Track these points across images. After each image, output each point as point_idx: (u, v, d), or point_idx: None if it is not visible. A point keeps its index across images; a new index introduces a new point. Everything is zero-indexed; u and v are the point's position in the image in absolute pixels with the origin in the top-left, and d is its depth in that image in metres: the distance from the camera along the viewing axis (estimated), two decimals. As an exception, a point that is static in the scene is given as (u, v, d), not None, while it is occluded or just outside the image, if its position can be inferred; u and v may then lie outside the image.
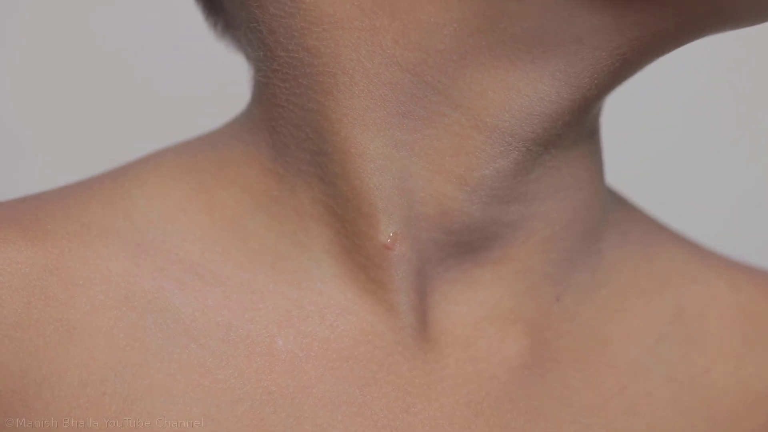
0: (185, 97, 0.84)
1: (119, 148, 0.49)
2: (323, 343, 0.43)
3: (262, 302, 0.43)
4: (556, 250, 0.45)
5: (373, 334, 0.43)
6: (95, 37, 0.89)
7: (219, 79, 0.48)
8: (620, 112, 0.64)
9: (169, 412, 0.40)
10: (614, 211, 0.48)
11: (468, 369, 0.44)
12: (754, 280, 0.50)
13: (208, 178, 0.44)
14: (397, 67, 0.40)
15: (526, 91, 0.40)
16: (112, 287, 0.42)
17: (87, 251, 0.42)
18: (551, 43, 0.39)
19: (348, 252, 0.43)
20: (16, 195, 0.45)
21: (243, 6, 0.43)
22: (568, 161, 0.44)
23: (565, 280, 0.46)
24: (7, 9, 0.89)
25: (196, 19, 0.48)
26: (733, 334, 0.48)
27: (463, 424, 0.43)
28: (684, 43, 0.40)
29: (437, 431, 0.42)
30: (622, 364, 0.46)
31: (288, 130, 0.42)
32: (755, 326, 0.49)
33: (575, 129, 0.43)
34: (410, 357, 0.43)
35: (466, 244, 0.43)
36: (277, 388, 0.42)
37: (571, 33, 0.39)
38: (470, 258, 0.44)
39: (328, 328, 0.43)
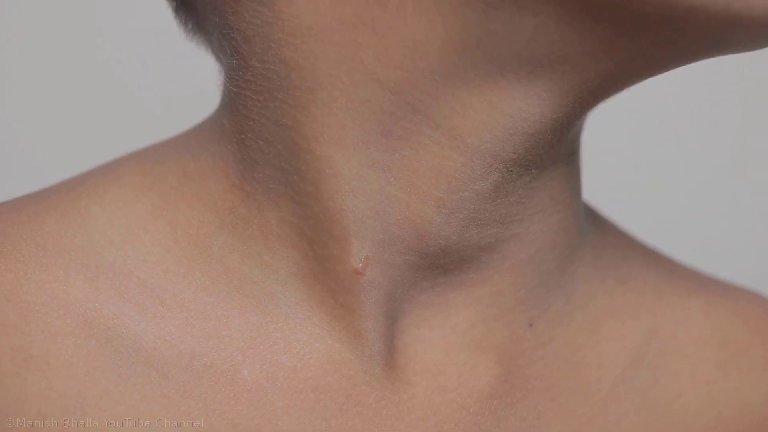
0: (174, 103, 0.83)
1: (110, 153, 0.47)
2: (290, 373, 0.41)
3: (227, 329, 0.41)
4: (531, 274, 0.44)
5: (341, 363, 0.42)
6: (86, 42, 0.89)
7: (209, 85, 0.46)
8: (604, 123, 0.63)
9: None
10: (589, 231, 0.47)
11: (436, 399, 0.43)
12: (729, 301, 0.49)
13: (171, 193, 0.42)
14: (377, 85, 0.38)
15: (509, 111, 0.38)
16: (70, 313, 0.40)
17: (43, 274, 0.40)
18: (538, 64, 0.37)
19: (316, 276, 0.41)
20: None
21: (216, 11, 0.41)
22: (547, 182, 0.42)
23: (539, 305, 0.45)
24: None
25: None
26: (707, 358, 0.48)
27: None
28: (677, 66, 0.39)
29: None
30: (594, 392, 0.45)
31: (258, 145, 0.41)
32: (729, 350, 0.48)
33: (556, 148, 0.41)
34: (378, 387, 0.42)
35: (440, 266, 0.42)
36: (242, 421, 0.40)
37: (559, 55, 0.37)
38: (444, 280, 0.43)
39: (295, 356, 0.41)
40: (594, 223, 0.48)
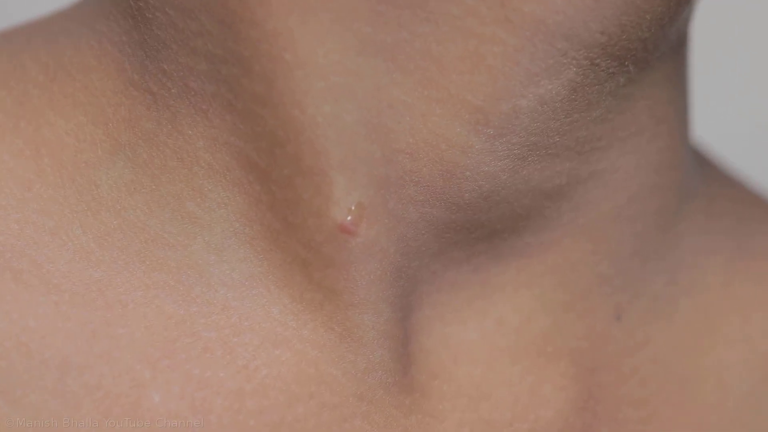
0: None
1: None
2: (232, 401, 0.31)
3: (124, 325, 0.30)
4: (619, 237, 0.34)
5: (319, 383, 0.31)
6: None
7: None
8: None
9: None
10: (696, 177, 0.38)
11: None
12: None
13: (34, 95, 0.32)
14: None
15: None
16: None
17: None
18: None
19: (275, 236, 0.31)
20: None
21: None
22: (646, 88, 0.32)
23: (631, 285, 0.35)
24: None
25: None
26: None
27: None
28: None
29: None
30: (713, 423, 0.36)
31: (168, 18, 0.30)
32: None
33: (667, 32, 0.31)
34: (382, 423, 0.32)
35: (481, 226, 0.32)
36: None
37: None
38: (486, 248, 0.33)
39: (241, 372, 0.31)
40: (699, 163, 0.39)
